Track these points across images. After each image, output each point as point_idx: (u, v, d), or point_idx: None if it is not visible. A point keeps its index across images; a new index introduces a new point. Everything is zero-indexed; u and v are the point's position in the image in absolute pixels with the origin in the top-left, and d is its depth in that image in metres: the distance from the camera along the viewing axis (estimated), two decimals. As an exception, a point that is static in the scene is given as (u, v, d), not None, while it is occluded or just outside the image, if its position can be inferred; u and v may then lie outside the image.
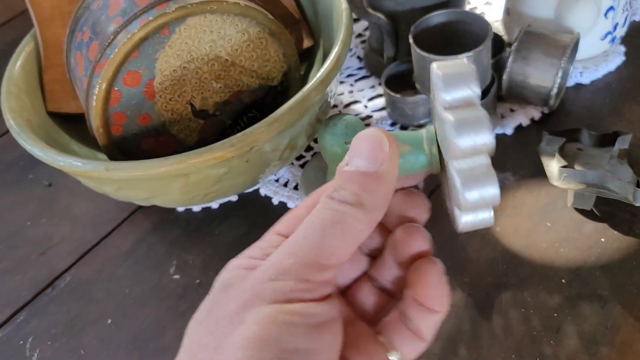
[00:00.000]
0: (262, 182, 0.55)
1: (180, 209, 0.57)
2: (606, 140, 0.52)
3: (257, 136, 0.44)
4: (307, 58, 0.62)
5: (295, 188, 0.56)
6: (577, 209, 0.49)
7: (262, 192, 0.57)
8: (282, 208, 0.55)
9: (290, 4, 0.62)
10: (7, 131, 0.62)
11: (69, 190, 0.62)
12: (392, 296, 0.29)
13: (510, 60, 0.55)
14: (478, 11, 0.73)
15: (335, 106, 0.65)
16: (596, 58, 0.62)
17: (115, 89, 0.46)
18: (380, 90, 0.65)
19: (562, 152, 0.51)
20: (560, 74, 0.53)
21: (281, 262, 0.23)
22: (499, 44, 0.59)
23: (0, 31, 0.91)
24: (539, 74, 0.54)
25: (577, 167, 0.49)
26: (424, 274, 0.26)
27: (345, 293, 0.30)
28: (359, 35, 0.74)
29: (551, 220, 0.49)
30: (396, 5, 0.59)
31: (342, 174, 0.25)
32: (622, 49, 0.63)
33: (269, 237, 0.27)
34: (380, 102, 0.64)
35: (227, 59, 0.49)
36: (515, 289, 0.45)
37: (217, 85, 0.49)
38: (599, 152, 0.51)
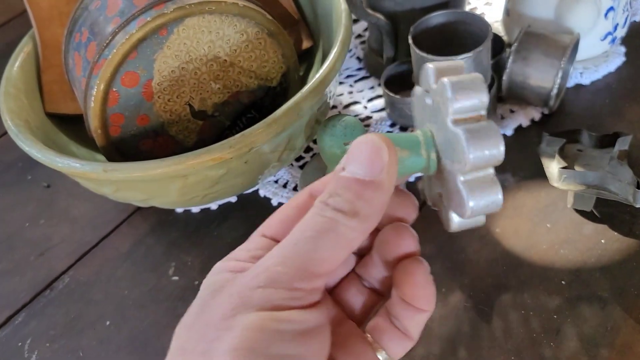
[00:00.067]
0: (261, 183, 0.55)
1: (179, 210, 0.57)
2: (606, 141, 0.51)
3: (256, 137, 0.44)
4: (306, 59, 0.62)
5: (295, 189, 0.56)
6: (577, 210, 0.49)
7: (261, 193, 0.57)
8: (281, 209, 0.55)
9: (290, 5, 0.62)
10: (6, 132, 0.62)
11: (68, 192, 0.62)
12: (381, 295, 0.29)
13: (510, 60, 0.55)
14: (478, 12, 0.73)
15: (334, 107, 0.64)
16: (596, 59, 0.62)
17: (114, 89, 0.46)
18: (379, 91, 0.65)
19: (562, 153, 0.51)
20: (560, 75, 0.53)
21: (270, 269, 0.23)
22: (498, 45, 0.59)
23: (-1, 32, 0.91)
24: (539, 75, 0.54)
25: (577, 168, 0.49)
26: (411, 274, 0.26)
27: (333, 292, 0.30)
28: (359, 35, 0.74)
29: (551, 221, 0.49)
30: (395, 6, 0.59)
31: (338, 180, 0.24)
32: (622, 49, 0.63)
33: (255, 238, 0.27)
34: (380, 102, 0.63)
35: (225, 60, 0.49)
36: (515, 290, 0.45)
37: (215, 86, 0.49)
38: (599, 153, 0.51)
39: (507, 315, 0.44)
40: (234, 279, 0.24)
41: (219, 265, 0.26)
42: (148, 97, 0.47)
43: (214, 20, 0.47)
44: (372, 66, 0.67)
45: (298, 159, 0.59)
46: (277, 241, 0.26)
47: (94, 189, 0.50)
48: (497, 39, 0.59)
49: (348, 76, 0.68)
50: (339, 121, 0.46)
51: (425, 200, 0.32)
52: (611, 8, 0.58)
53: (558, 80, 0.53)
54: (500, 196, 0.25)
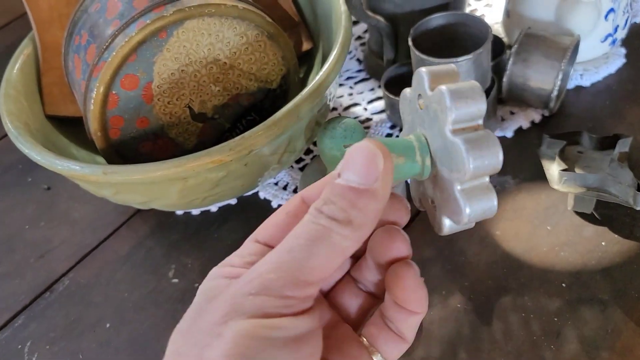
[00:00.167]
0: (261, 185, 0.55)
1: (179, 212, 0.57)
2: (606, 143, 0.51)
3: (256, 139, 0.44)
4: (306, 61, 0.62)
5: (295, 191, 0.56)
6: (577, 213, 0.49)
7: (261, 195, 0.57)
8: (281, 211, 0.55)
9: (289, 7, 0.62)
10: (6, 134, 0.62)
11: (68, 194, 0.62)
12: (376, 298, 0.29)
13: (510, 62, 0.55)
14: (478, 13, 0.73)
15: (334, 109, 0.64)
16: (596, 60, 0.62)
17: (113, 92, 0.46)
18: (379, 92, 0.65)
19: (563, 155, 0.51)
20: (560, 77, 0.53)
21: (262, 276, 0.23)
22: (499, 47, 0.59)
23: (-1, 34, 0.91)
24: (539, 77, 0.54)
25: (577, 170, 0.49)
26: (401, 278, 0.26)
27: (329, 295, 0.30)
28: (359, 37, 0.74)
29: (551, 223, 0.49)
30: (395, 8, 0.59)
31: (333, 187, 0.24)
32: (623, 51, 0.63)
33: (248, 244, 0.27)
34: (380, 104, 0.63)
35: (225, 62, 0.49)
36: (515, 293, 0.45)
37: (215, 89, 0.49)
38: (599, 155, 0.51)
39: (507, 317, 0.44)
40: (228, 285, 0.24)
41: (214, 271, 0.26)
42: (148, 99, 0.47)
43: (214, 22, 0.47)
44: (372, 68, 0.67)
45: (298, 161, 0.59)
46: (271, 247, 0.26)
47: (93, 192, 0.50)
48: (497, 40, 0.59)
49: (348, 78, 0.68)
50: (339, 123, 0.46)
51: (413, 201, 0.32)
52: (611, 10, 0.58)
53: (558, 82, 0.53)
54: (495, 203, 0.25)
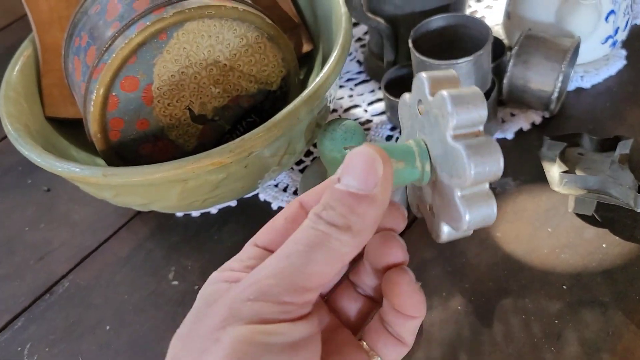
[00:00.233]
0: (261, 187, 0.55)
1: (179, 214, 0.57)
2: (607, 145, 0.51)
3: (256, 141, 0.44)
4: (306, 62, 0.62)
5: (295, 193, 0.56)
6: (578, 215, 0.49)
7: (262, 197, 0.57)
8: (282, 213, 0.55)
9: (289, 8, 0.62)
10: (5, 136, 0.62)
11: (68, 196, 0.62)
12: (375, 302, 0.29)
13: (510, 64, 0.55)
14: (478, 15, 0.73)
15: (334, 110, 0.64)
16: (597, 62, 0.62)
17: (113, 94, 0.46)
18: (380, 94, 0.65)
19: (563, 157, 0.51)
20: (561, 78, 0.53)
21: (261, 282, 0.23)
22: (499, 48, 0.59)
23: None
24: (540, 78, 0.54)
25: (578, 172, 0.49)
26: (396, 284, 0.26)
27: (328, 300, 0.30)
28: (359, 39, 0.74)
29: (552, 225, 0.49)
30: (396, 10, 0.59)
31: (332, 192, 0.24)
32: (623, 52, 0.63)
33: (248, 248, 0.27)
34: (380, 106, 0.63)
35: (225, 64, 0.49)
36: (516, 295, 0.45)
37: (215, 90, 0.49)
38: (600, 157, 0.51)
39: (508, 319, 0.44)
40: (228, 289, 0.24)
41: (214, 276, 0.26)
42: (148, 101, 0.47)
43: (214, 24, 0.47)
44: (372, 70, 0.67)
45: (298, 162, 0.59)
46: (270, 251, 0.26)
47: (93, 193, 0.50)
48: (497, 42, 0.59)
49: (348, 79, 0.68)
50: (339, 125, 0.46)
51: (410, 207, 0.32)
52: (612, 11, 0.58)
53: (559, 84, 0.53)
54: (495, 210, 0.25)
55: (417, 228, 0.50)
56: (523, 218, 0.50)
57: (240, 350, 0.21)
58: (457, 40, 0.56)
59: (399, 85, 0.60)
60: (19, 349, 0.49)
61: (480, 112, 0.25)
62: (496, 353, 0.42)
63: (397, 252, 0.27)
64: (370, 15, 0.58)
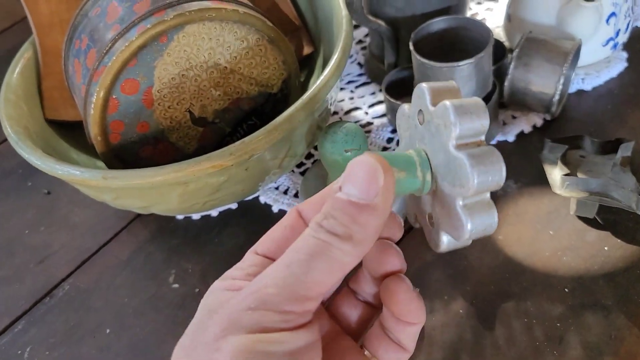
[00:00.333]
0: (262, 189, 0.55)
1: (180, 217, 0.57)
2: (609, 147, 0.51)
3: (257, 144, 0.43)
4: (307, 65, 0.62)
5: (296, 196, 0.56)
6: (579, 217, 0.49)
7: (262, 199, 0.56)
8: (282, 216, 0.54)
9: (290, 11, 0.62)
10: (5, 139, 0.62)
11: (68, 198, 0.62)
12: (375, 308, 0.29)
13: (511, 66, 0.55)
14: (479, 17, 0.73)
15: (335, 113, 0.64)
16: (598, 64, 0.62)
17: (114, 97, 0.46)
18: (380, 96, 0.65)
19: (565, 160, 0.51)
20: (562, 81, 0.53)
21: (261, 291, 0.23)
22: (500, 51, 0.59)
23: (0, 38, 0.91)
24: (541, 81, 0.54)
25: (579, 174, 0.49)
26: (394, 293, 0.27)
27: (329, 307, 0.30)
28: (360, 41, 0.74)
29: (554, 228, 0.49)
30: (396, 12, 0.58)
31: (333, 201, 0.24)
32: (624, 55, 0.63)
33: (249, 257, 0.27)
34: (381, 108, 0.63)
35: (226, 67, 0.49)
36: (517, 298, 0.45)
37: (216, 93, 0.49)
38: (601, 159, 0.50)
39: (510, 323, 0.43)
40: (229, 298, 0.24)
41: (215, 285, 0.26)
42: (148, 104, 0.47)
43: (214, 27, 0.47)
44: (373, 72, 0.67)
45: (299, 165, 0.59)
46: (270, 258, 0.26)
47: (94, 196, 0.50)
48: (498, 44, 0.59)
49: (349, 82, 0.68)
50: (340, 128, 0.46)
51: (408, 218, 0.32)
52: (613, 14, 0.58)
53: (560, 86, 0.53)
54: (496, 219, 0.25)
55: (418, 231, 0.50)
56: (524, 221, 0.50)
57: (242, 359, 0.21)
58: (458, 43, 0.56)
59: (399, 88, 0.60)
60: (19, 352, 0.49)
61: (482, 121, 0.25)
62: (498, 356, 0.42)
63: (394, 261, 0.27)
64: (371, 17, 0.58)
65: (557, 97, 0.54)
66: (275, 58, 0.51)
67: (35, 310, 0.52)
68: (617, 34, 0.60)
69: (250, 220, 0.55)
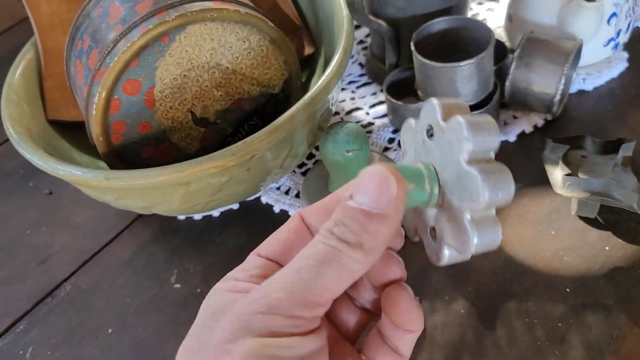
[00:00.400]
0: (263, 190, 0.55)
1: (181, 217, 0.57)
2: (610, 147, 0.51)
3: (258, 144, 0.43)
4: (308, 65, 0.62)
5: (297, 196, 0.56)
6: (581, 217, 0.49)
7: (264, 200, 0.56)
8: (284, 216, 0.55)
9: (291, 11, 0.62)
10: (7, 139, 0.62)
11: (70, 199, 0.62)
12: (372, 314, 0.30)
13: (512, 67, 0.55)
14: (480, 18, 0.73)
15: (336, 113, 0.64)
16: (599, 64, 0.62)
17: (115, 97, 0.46)
18: (381, 97, 0.65)
19: (566, 160, 0.51)
20: (563, 81, 0.53)
21: (271, 295, 0.23)
22: (501, 51, 0.59)
23: (1, 38, 0.91)
24: (542, 81, 0.54)
25: (581, 175, 0.49)
26: (395, 301, 0.27)
27: (328, 313, 0.30)
28: (361, 41, 0.74)
29: (555, 228, 0.49)
30: (397, 12, 0.59)
31: (344, 209, 0.24)
32: (625, 55, 0.63)
33: (252, 259, 0.27)
34: (382, 109, 0.63)
35: (227, 67, 0.49)
36: (519, 298, 0.45)
37: (217, 93, 0.49)
38: (602, 159, 0.50)
39: (511, 323, 0.43)
40: (235, 300, 0.24)
41: (218, 286, 0.26)
42: (150, 104, 0.47)
43: (216, 27, 0.47)
44: (374, 72, 0.67)
45: (300, 165, 0.59)
46: (273, 261, 0.27)
47: (95, 197, 0.50)
48: (499, 45, 0.59)
49: (350, 82, 0.68)
50: (341, 128, 0.46)
51: (406, 231, 0.32)
52: (614, 14, 0.58)
53: (561, 86, 0.53)
54: (500, 236, 0.26)
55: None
56: (526, 221, 0.50)
57: None
58: (459, 43, 0.56)
59: (400, 88, 0.60)
60: (21, 352, 0.49)
61: (494, 139, 0.25)
62: (499, 356, 0.42)
63: (396, 270, 0.28)
64: (372, 17, 0.58)
65: (558, 97, 0.54)
66: (277, 58, 0.51)
67: (37, 310, 0.52)
68: (618, 34, 0.60)
69: (252, 221, 0.55)
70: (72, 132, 0.58)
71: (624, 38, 0.61)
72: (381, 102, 0.64)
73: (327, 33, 0.58)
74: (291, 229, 0.28)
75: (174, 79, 0.47)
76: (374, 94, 0.66)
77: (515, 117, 0.59)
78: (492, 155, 0.26)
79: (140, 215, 0.58)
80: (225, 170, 0.44)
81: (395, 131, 0.61)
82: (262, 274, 0.26)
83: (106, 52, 0.46)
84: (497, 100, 0.55)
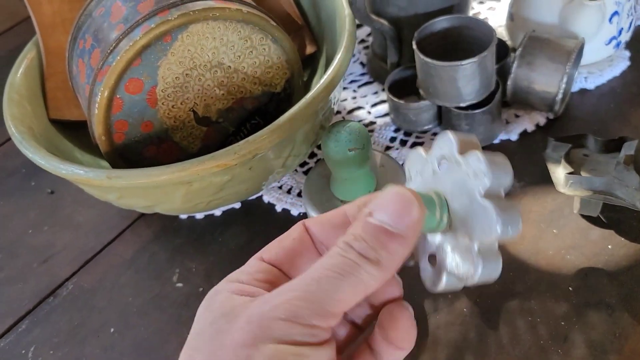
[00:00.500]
0: (265, 189, 0.55)
1: (183, 216, 0.57)
2: (612, 146, 0.51)
3: (260, 143, 0.43)
4: (310, 64, 0.62)
5: (299, 195, 0.56)
6: (583, 216, 0.49)
7: (266, 199, 0.56)
8: (286, 215, 0.55)
9: (293, 10, 0.62)
10: (9, 139, 0.62)
11: (72, 198, 0.62)
12: (359, 329, 0.30)
13: (514, 65, 0.55)
14: (481, 16, 0.73)
15: (338, 112, 0.64)
16: (601, 63, 0.62)
17: (118, 96, 0.46)
18: (383, 96, 0.65)
19: (568, 158, 0.50)
20: (565, 80, 0.53)
21: (292, 302, 0.23)
22: (503, 50, 0.59)
23: (3, 38, 0.91)
24: (544, 80, 0.54)
25: (583, 173, 0.49)
26: (397, 320, 0.27)
27: None
28: (362, 40, 0.74)
29: (557, 227, 0.49)
30: (399, 11, 0.59)
31: (365, 225, 0.25)
32: (627, 53, 0.63)
33: (254, 262, 0.28)
34: (384, 108, 0.63)
35: (229, 66, 0.49)
36: (522, 296, 0.45)
37: (219, 92, 0.49)
38: (605, 158, 0.50)
39: (514, 321, 0.43)
40: (245, 303, 0.25)
41: (223, 287, 0.27)
42: (152, 103, 0.47)
43: (218, 26, 0.47)
44: (376, 71, 0.67)
45: (302, 164, 0.59)
46: (275, 266, 0.28)
47: (97, 196, 0.50)
48: (501, 43, 0.59)
49: (352, 81, 0.68)
50: (343, 127, 0.46)
51: None
52: (615, 12, 0.58)
53: (563, 85, 0.53)
54: (500, 269, 0.27)
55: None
56: (528, 220, 0.50)
57: None
58: (461, 42, 0.56)
59: (402, 87, 0.60)
60: (23, 352, 0.49)
61: (508, 177, 0.27)
62: (502, 355, 0.42)
63: (395, 289, 0.29)
64: (373, 17, 0.58)
65: (560, 96, 0.54)
66: (279, 57, 0.51)
67: (39, 310, 0.52)
68: (620, 32, 0.60)
69: (254, 220, 0.55)
70: (74, 131, 0.58)
71: (625, 37, 0.61)
72: (383, 101, 0.64)
73: (328, 32, 0.58)
74: (296, 238, 0.28)
75: (176, 78, 0.47)
76: (376, 93, 0.66)
77: (517, 116, 0.59)
78: (503, 193, 0.27)
79: (142, 215, 0.58)
80: (227, 169, 0.44)
81: (397, 130, 0.61)
82: (266, 279, 0.27)
83: (108, 51, 0.46)
84: (499, 99, 0.55)
